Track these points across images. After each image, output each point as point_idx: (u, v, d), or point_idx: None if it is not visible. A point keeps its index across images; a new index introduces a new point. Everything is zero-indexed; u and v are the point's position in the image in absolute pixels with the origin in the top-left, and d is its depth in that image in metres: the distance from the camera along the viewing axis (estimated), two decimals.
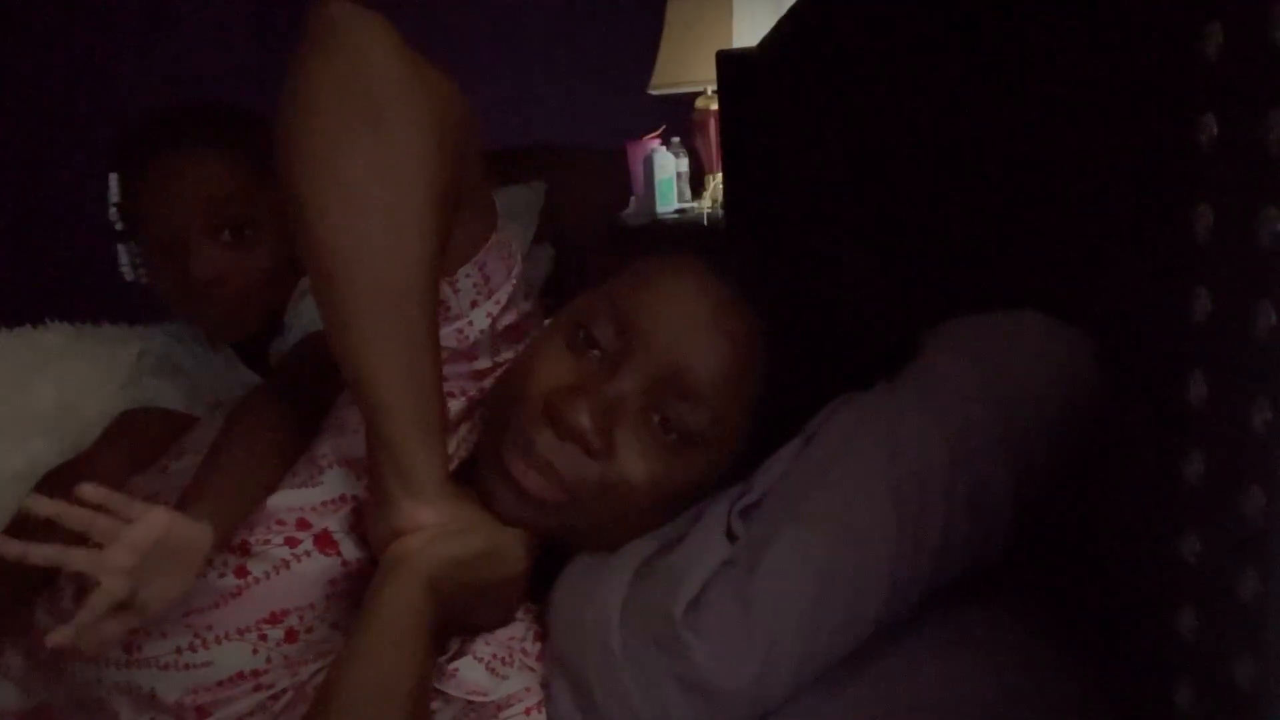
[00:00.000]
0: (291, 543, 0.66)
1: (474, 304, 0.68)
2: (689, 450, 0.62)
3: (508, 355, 0.73)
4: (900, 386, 0.66)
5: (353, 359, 0.58)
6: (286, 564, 0.66)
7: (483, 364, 0.72)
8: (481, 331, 0.69)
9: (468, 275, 0.66)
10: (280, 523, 0.67)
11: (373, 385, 0.58)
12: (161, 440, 0.88)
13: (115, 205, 1.01)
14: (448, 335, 0.67)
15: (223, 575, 0.65)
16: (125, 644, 0.64)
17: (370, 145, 0.55)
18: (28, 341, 1.17)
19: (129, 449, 0.93)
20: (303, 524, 0.67)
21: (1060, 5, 0.71)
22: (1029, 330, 0.68)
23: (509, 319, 0.71)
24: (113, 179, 1.00)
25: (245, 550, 0.66)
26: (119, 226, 1.01)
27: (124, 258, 1.03)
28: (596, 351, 0.63)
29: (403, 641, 0.56)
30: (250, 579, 0.65)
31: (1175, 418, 0.46)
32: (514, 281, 0.70)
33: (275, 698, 0.65)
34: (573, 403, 0.60)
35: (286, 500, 0.68)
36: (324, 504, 0.68)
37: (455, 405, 0.70)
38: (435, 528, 0.59)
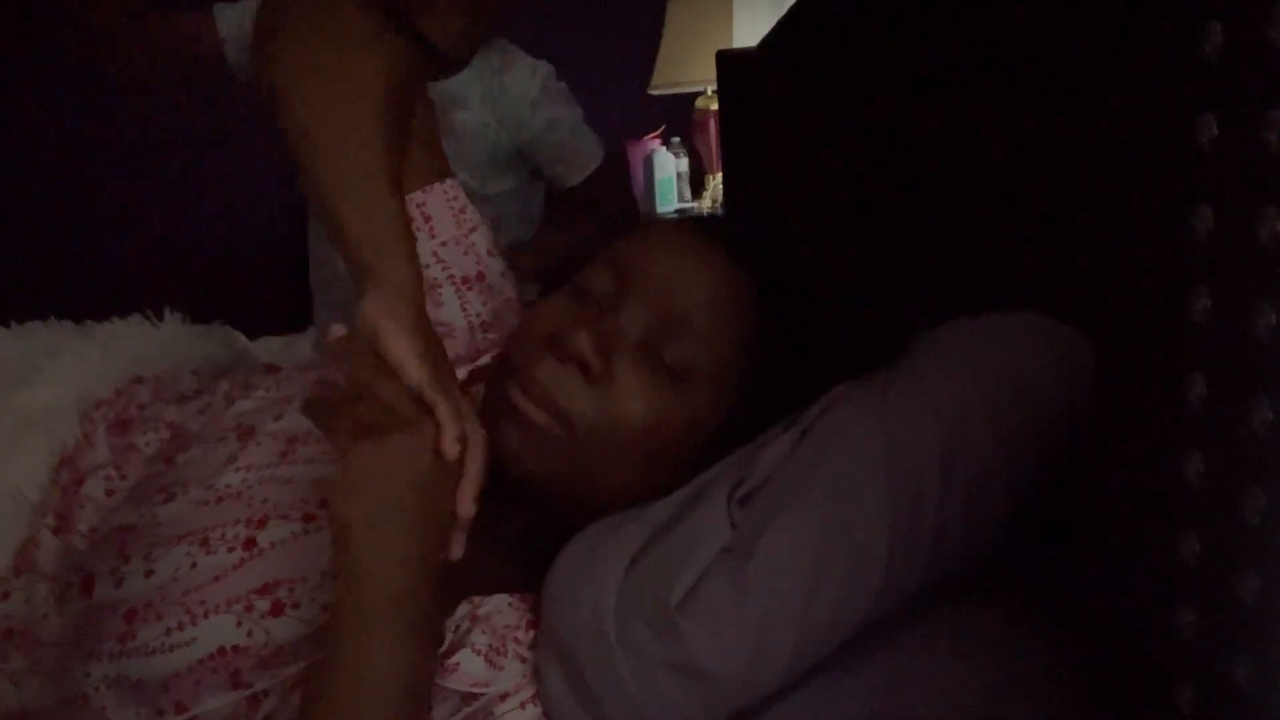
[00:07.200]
0: (309, 518, 0.67)
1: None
2: (686, 387, 0.65)
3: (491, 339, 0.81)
4: (897, 381, 0.66)
5: (318, 194, 0.68)
6: (295, 537, 0.66)
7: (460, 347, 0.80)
8: (435, 279, 0.80)
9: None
10: (304, 500, 0.68)
11: (336, 207, 0.67)
12: None
13: None
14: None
15: (231, 549, 0.66)
16: (120, 634, 0.64)
17: (334, 63, 0.70)
18: (27, 335, 1.17)
19: None
20: (325, 501, 0.67)
21: (1060, 5, 0.71)
22: (1027, 330, 0.68)
23: (482, 299, 0.81)
24: None
25: (263, 524, 0.66)
26: None
27: None
28: (596, 300, 0.67)
29: (375, 623, 0.55)
30: (255, 550, 0.66)
31: (1175, 418, 0.46)
32: (466, 233, 0.82)
33: (255, 702, 0.63)
34: (573, 330, 0.63)
35: (316, 472, 0.69)
36: None
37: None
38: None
